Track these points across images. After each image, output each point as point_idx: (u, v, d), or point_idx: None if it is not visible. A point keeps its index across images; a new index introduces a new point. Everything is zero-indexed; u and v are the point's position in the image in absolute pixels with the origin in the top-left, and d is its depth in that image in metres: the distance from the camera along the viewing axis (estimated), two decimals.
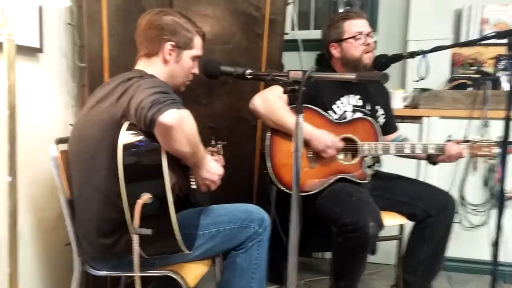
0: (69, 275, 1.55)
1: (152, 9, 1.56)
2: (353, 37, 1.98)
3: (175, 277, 1.46)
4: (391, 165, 2.22)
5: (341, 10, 2.73)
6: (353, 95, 2.05)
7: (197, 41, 1.59)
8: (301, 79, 1.21)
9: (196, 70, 1.62)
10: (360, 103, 2.06)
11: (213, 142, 1.76)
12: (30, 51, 1.67)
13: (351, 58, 2.01)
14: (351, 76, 1.25)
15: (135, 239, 1.19)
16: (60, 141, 1.54)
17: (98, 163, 1.37)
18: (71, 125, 1.65)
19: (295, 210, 1.20)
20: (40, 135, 1.74)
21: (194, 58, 1.60)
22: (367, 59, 2.00)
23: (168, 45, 1.51)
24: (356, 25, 2.00)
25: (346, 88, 2.03)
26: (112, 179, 1.31)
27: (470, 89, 2.63)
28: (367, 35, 2.00)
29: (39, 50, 1.70)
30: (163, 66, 1.53)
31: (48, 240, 1.83)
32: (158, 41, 1.51)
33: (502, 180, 1.73)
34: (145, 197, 1.21)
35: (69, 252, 1.53)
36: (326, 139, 1.87)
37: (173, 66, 1.54)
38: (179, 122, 1.21)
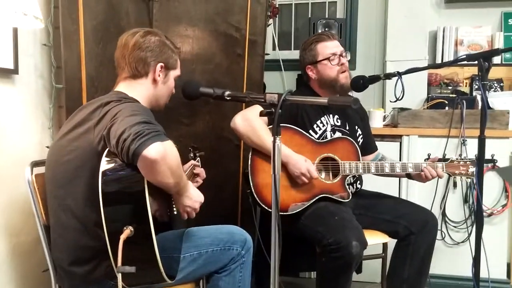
0: None
1: (136, 29, 1.53)
2: (327, 58, 2.02)
3: None
4: (373, 183, 2.23)
5: (320, 31, 2.76)
6: (332, 115, 2.07)
7: (178, 61, 1.60)
8: (277, 102, 1.22)
9: (174, 90, 1.63)
10: (339, 123, 2.08)
11: (191, 154, 1.74)
12: (4, 73, 1.64)
13: (327, 79, 2.04)
14: (324, 100, 1.27)
15: (119, 277, 1.14)
16: (36, 164, 1.50)
17: (75, 190, 1.33)
18: (47, 147, 1.61)
19: (276, 234, 1.19)
20: (16, 157, 1.69)
21: (176, 77, 1.60)
22: (343, 78, 2.03)
23: (158, 66, 1.50)
24: (329, 47, 2.04)
25: (325, 108, 2.05)
26: (89, 206, 1.27)
27: (447, 108, 2.68)
28: (341, 55, 2.04)
29: (14, 71, 1.67)
30: (151, 87, 1.51)
31: (25, 266, 1.77)
32: (148, 62, 1.49)
33: (478, 198, 1.76)
34: (127, 231, 1.17)
35: (48, 278, 1.48)
36: (301, 166, 1.85)
37: (160, 86, 1.54)
38: (163, 155, 1.18)
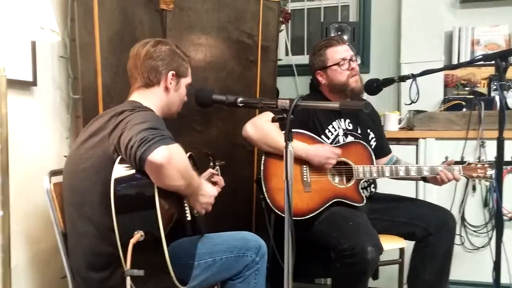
0: None
1: (147, 40, 1.57)
2: (337, 64, 2.01)
3: None
4: (389, 186, 2.21)
5: (333, 35, 2.76)
6: (343, 119, 2.06)
7: (189, 68, 1.63)
8: (288, 108, 1.23)
9: (186, 98, 1.65)
10: (350, 127, 2.07)
11: (211, 163, 1.76)
12: (23, 85, 1.69)
13: (337, 84, 2.03)
14: (335, 105, 1.28)
15: (128, 280, 1.16)
16: (54, 173, 1.54)
17: (91, 197, 1.36)
18: (65, 156, 1.65)
19: (289, 239, 1.20)
20: (35, 167, 1.74)
21: (187, 85, 1.63)
22: (353, 82, 2.02)
23: (170, 74, 1.53)
24: (338, 52, 2.03)
25: (337, 112, 2.04)
26: (105, 213, 1.29)
27: (464, 110, 2.64)
28: (350, 59, 2.03)
29: (33, 83, 1.71)
30: (164, 95, 1.54)
31: (44, 273, 1.81)
32: (160, 71, 1.52)
33: (498, 202, 1.72)
34: (137, 235, 1.19)
35: (66, 285, 1.50)
36: (324, 151, 1.87)
37: (173, 94, 1.56)
38: (169, 158, 1.20)
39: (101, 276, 1.37)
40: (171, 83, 1.54)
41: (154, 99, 1.53)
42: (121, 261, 1.23)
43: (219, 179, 1.71)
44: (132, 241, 1.17)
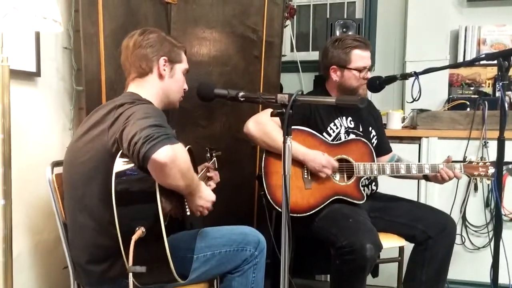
0: None
1: (134, 31, 1.57)
2: (358, 70, 1.98)
3: None
4: (390, 185, 2.21)
5: (338, 32, 2.75)
6: (345, 117, 2.06)
7: (183, 54, 1.62)
8: (287, 103, 1.23)
9: (186, 86, 1.64)
10: (352, 124, 2.06)
11: (208, 154, 1.75)
12: (27, 75, 1.69)
13: (348, 87, 2.01)
14: (332, 100, 1.27)
15: (130, 276, 1.16)
16: (56, 164, 1.55)
17: (90, 191, 1.36)
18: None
19: (286, 234, 1.20)
20: (37, 157, 1.74)
21: (184, 71, 1.62)
22: (362, 91, 2.01)
23: (162, 60, 1.53)
24: (363, 58, 1.99)
25: (339, 110, 2.04)
26: (104, 206, 1.30)
27: (468, 109, 2.63)
28: (369, 69, 2.01)
29: (37, 74, 1.72)
30: (159, 82, 1.53)
31: (46, 263, 1.82)
32: (150, 58, 1.51)
33: (497, 201, 1.72)
34: (139, 232, 1.19)
35: (67, 275, 1.52)
36: (321, 159, 1.87)
37: (168, 81, 1.55)
38: (173, 158, 1.18)
39: (100, 268, 1.38)
40: (164, 69, 1.53)
41: (151, 88, 1.52)
42: (120, 253, 1.24)
43: (215, 174, 1.71)
44: (134, 237, 1.17)
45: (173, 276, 1.29)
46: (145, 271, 1.15)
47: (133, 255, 1.15)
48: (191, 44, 2.16)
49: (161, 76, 1.53)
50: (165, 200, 1.28)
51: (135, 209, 1.27)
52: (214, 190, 1.56)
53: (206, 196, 1.45)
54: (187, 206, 1.48)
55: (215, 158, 1.79)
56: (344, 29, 2.76)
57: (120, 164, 1.26)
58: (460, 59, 2.98)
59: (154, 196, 1.23)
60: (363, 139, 2.01)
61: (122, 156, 1.27)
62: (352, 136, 2.02)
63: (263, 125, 1.87)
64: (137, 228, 1.19)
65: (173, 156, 1.18)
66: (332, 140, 1.99)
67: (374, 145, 2.08)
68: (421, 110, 2.63)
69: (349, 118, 2.06)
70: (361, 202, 1.94)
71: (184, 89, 1.64)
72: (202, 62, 2.19)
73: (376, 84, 1.95)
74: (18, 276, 1.51)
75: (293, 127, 1.86)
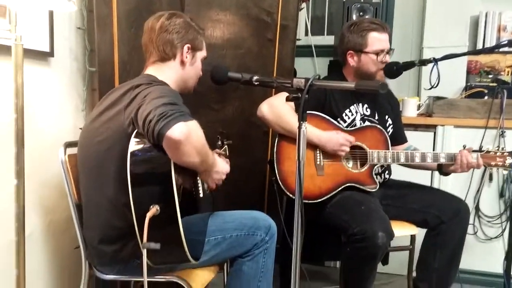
0: (78, 278, 1.55)
1: (160, 13, 1.54)
2: (375, 53, 1.91)
3: (181, 283, 1.45)
4: (404, 173, 2.18)
5: (354, 16, 2.69)
6: (361, 104, 2.02)
7: (204, 42, 1.60)
8: (303, 87, 1.20)
9: (201, 72, 1.63)
10: (368, 112, 2.02)
11: (219, 142, 1.74)
12: (41, 55, 1.69)
13: (365, 72, 1.95)
14: (351, 85, 1.23)
15: (144, 252, 1.17)
16: (69, 144, 1.55)
17: (106, 171, 1.36)
18: (81, 129, 1.66)
19: (298, 222, 1.19)
20: (50, 138, 1.75)
21: (203, 59, 1.61)
22: (380, 76, 1.95)
23: (186, 47, 1.51)
24: (380, 41, 1.92)
25: (355, 96, 2.00)
26: (119, 187, 1.30)
27: (486, 97, 2.57)
28: (387, 52, 1.93)
29: (50, 54, 1.71)
30: (180, 69, 1.53)
31: (58, 242, 1.84)
32: (175, 44, 1.50)
33: None
34: (153, 210, 1.20)
35: (79, 255, 1.53)
36: (337, 137, 1.84)
37: (189, 68, 1.55)
38: (187, 135, 1.19)
39: (112, 248, 1.39)
40: (187, 57, 1.52)
41: (170, 73, 1.52)
42: (133, 234, 1.24)
43: (226, 161, 1.70)
44: (149, 215, 1.18)
45: (186, 255, 1.30)
46: (159, 248, 1.16)
47: (148, 233, 1.16)
48: (205, 27, 2.11)
49: (182, 63, 1.53)
50: (180, 180, 1.28)
51: (150, 189, 1.27)
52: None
53: (221, 169, 1.47)
54: (200, 188, 1.48)
55: (226, 146, 1.78)
56: (360, 13, 2.71)
57: (135, 144, 1.26)
58: (480, 46, 2.91)
59: (169, 176, 1.23)
60: (378, 126, 1.97)
61: (136, 136, 1.27)
62: (367, 124, 1.99)
63: (278, 108, 1.84)
64: (151, 206, 1.20)
65: (187, 133, 1.18)
66: (347, 127, 1.96)
67: (389, 134, 2.05)
68: (438, 98, 2.58)
69: (365, 105, 2.02)
70: (374, 190, 1.92)
71: (200, 75, 1.63)
72: (215, 45, 2.16)
73: (394, 70, 1.90)
74: (31, 254, 1.53)
75: (308, 111, 1.85)
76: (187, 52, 1.52)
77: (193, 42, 1.53)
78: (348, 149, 1.85)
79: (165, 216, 1.23)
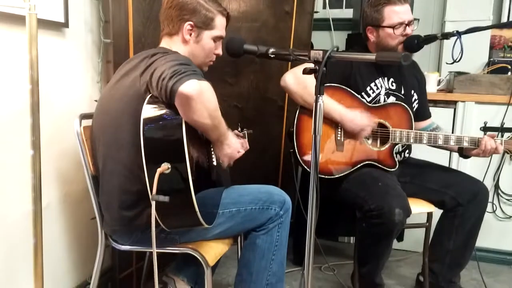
0: (94, 249, 1.57)
1: None
2: (392, 26, 1.86)
3: (195, 254, 1.46)
4: (422, 151, 2.14)
5: None
6: (387, 78, 1.97)
7: (219, 21, 1.54)
8: (321, 60, 1.16)
9: (219, 51, 1.59)
10: (394, 86, 1.97)
11: (239, 129, 1.73)
12: (55, 26, 1.67)
13: (386, 46, 1.90)
14: (371, 57, 1.18)
15: (153, 205, 1.20)
16: (84, 116, 1.55)
17: (122, 137, 1.37)
18: (96, 101, 1.65)
19: (313, 196, 1.17)
20: (66, 110, 1.75)
21: (216, 38, 1.56)
22: (400, 48, 1.89)
23: (186, 25, 1.48)
24: (397, 13, 1.85)
25: (381, 70, 1.95)
26: (135, 152, 1.31)
27: (509, 74, 2.49)
28: (408, 24, 1.87)
29: (65, 24, 1.69)
30: (183, 46, 1.52)
31: (75, 213, 1.86)
32: (177, 21, 1.49)
33: None
34: (164, 167, 1.21)
35: (95, 226, 1.55)
36: (361, 120, 1.81)
37: (193, 46, 1.52)
38: (199, 92, 1.20)
39: (131, 214, 1.40)
40: (190, 34, 1.50)
41: (178, 47, 1.51)
42: (149, 200, 1.24)
43: (244, 141, 1.67)
44: (159, 170, 1.20)
45: (198, 219, 1.30)
46: (167, 201, 1.19)
47: (158, 192, 1.19)
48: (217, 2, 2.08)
49: (185, 41, 1.51)
50: (192, 147, 1.29)
51: (163, 152, 1.27)
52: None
53: (234, 144, 1.45)
54: (213, 155, 1.48)
55: (246, 133, 1.76)
56: None
57: (149, 111, 1.27)
58: (504, 20, 2.81)
59: (181, 141, 1.24)
60: (403, 103, 1.93)
61: (150, 102, 1.28)
62: (392, 99, 1.94)
63: (303, 79, 1.79)
64: (163, 164, 1.22)
65: (199, 90, 1.20)
66: (371, 101, 1.92)
67: (414, 109, 2.00)
68: (459, 73, 2.51)
69: (391, 79, 1.97)
70: (393, 170, 1.89)
71: (217, 54, 1.60)
72: (231, 18, 2.12)
73: (415, 44, 1.84)
74: (48, 224, 1.55)
75: (331, 84, 1.81)
76: (189, 29, 1.49)
77: (198, 20, 1.49)
78: (368, 133, 1.82)
79: (177, 179, 1.25)
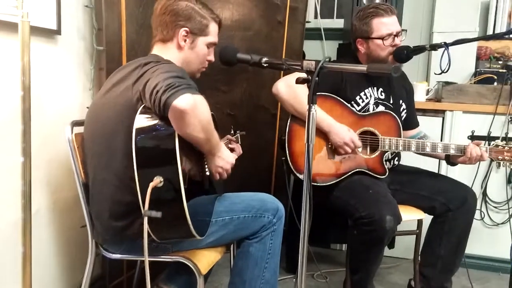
0: (84, 256, 1.56)
1: None
2: (381, 38, 1.89)
3: (187, 263, 1.45)
4: (412, 158, 2.17)
5: (364, 0, 2.65)
6: (376, 87, 2.00)
7: (213, 27, 1.55)
8: (314, 70, 1.18)
9: (211, 58, 1.60)
10: (383, 96, 2.00)
11: (232, 132, 1.74)
12: (47, 33, 1.67)
13: (376, 58, 1.93)
14: (363, 68, 1.20)
15: (145, 221, 1.18)
16: (76, 123, 1.54)
17: (113, 146, 1.36)
18: (88, 108, 1.65)
19: (306, 203, 1.18)
20: (57, 117, 1.74)
21: (209, 45, 1.56)
22: (390, 59, 1.92)
23: (182, 31, 1.49)
24: (386, 25, 1.89)
25: (370, 80, 1.98)
26: (126, 162, 1.30)
27: (495, 84, 2.55)
28: (396, 35, 1.90)
29: (57, 32, 1.69)
30: (178, 52, 1.51)
31: (65, 221, 1.84)
32: (172, 27, 1.48)
33: None
34: (157, 181, 1.21)
35: (85, 234, 1.53)
36: (344, 135, 1.82)
37: (188, 52, 1.52)
38: (193, 107, 1.20)
39: (122, 224, 1.39)
40: (185, 40, 1.50)
41: (171, 54, 1.50)
42: (140, 210, 1.23)
43: (237, 146, 1.70)
44: (151, 184, 1.19)
45: (190, 231, 1.30)
46: (160, 216, 1.17)
47: (151, 204, 1.17)
48: (213, 7, 2.08)
49: (179, 47, 1.51)
50: (185, 158, 1.29)
51: (155, 164, 1.27)
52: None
53: (226, 157, 1.45)
54: (206, 167, 1.48)
55: (238, 135, 1.77)
56: None
57: (141, 121, 1.26)
58: (490, 31, 2.87)
59: (174, 152, 1.23)
60: (391, 112, 1.95)
61: (142, 111, 1.28)
62: (381, 108, 1.97)
63: (294, 88, 1.80)
64: (155, 178, 1.21)
65: (193, 104, 1.20)
66: (360, 110, 1.94)
67: (403, 118, 2.03)
68: (447, 83, 2.56)
69: (380, 89, 2.00)
70: (383, 177, 1.91)
71: (210, 60, 1.60)
72: (224, 26, 2.10)
73: (404, 55, 1.88)
74: (37, 231, 1.53)
75: (321, 93, 1.83)
76: (184, 35, 1.49)
77: (193, 27, 1.50)
78: (349, 151, 1.83)
79: (169, 190, 1.24)
